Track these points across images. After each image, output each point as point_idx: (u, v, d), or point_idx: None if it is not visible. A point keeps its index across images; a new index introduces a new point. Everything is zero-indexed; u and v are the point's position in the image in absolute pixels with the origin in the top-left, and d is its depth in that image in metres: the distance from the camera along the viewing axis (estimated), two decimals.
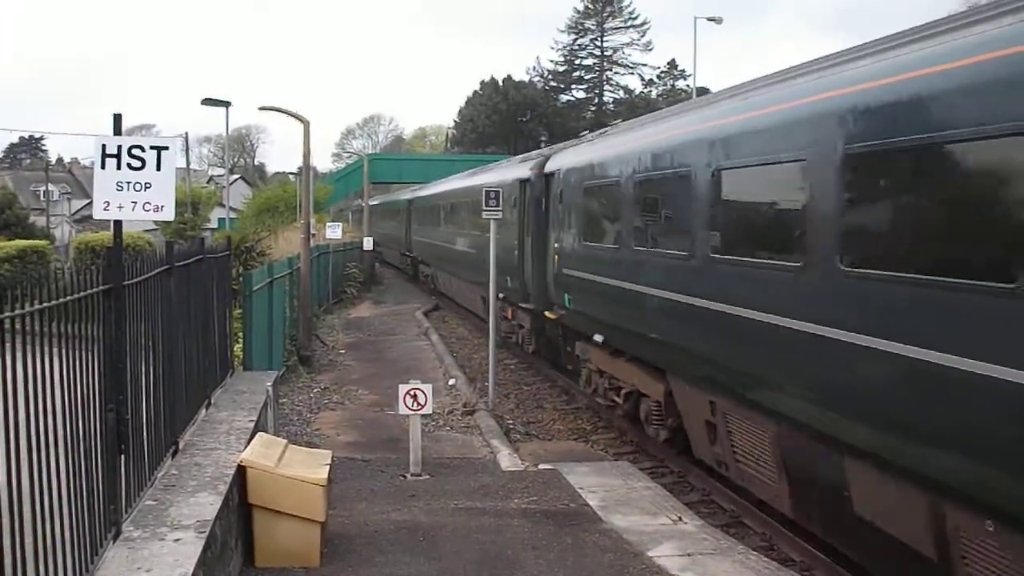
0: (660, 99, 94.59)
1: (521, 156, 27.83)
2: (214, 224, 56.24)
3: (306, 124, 22.20)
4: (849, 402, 8.00)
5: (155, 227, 43.22)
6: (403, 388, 12.23)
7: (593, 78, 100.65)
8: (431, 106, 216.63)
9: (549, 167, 19.04)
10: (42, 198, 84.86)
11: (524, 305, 20.94)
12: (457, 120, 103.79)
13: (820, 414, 8.56)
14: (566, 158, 18.25)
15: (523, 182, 21.03)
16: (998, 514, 6.47)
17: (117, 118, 6.83)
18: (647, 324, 12.79)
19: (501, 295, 20.47)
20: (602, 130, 21.23)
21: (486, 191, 16.26)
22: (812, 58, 9.91)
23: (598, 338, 15.05)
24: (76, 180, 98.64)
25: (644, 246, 12.90)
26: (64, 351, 5.56)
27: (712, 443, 11.47)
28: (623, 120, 19.47)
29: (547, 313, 18.70)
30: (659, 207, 12.77)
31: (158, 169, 6.78)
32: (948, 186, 6.99)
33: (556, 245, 17.72)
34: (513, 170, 23.59)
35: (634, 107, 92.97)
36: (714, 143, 10.72)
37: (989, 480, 6.49)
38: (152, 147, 6.83)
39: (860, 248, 7.85)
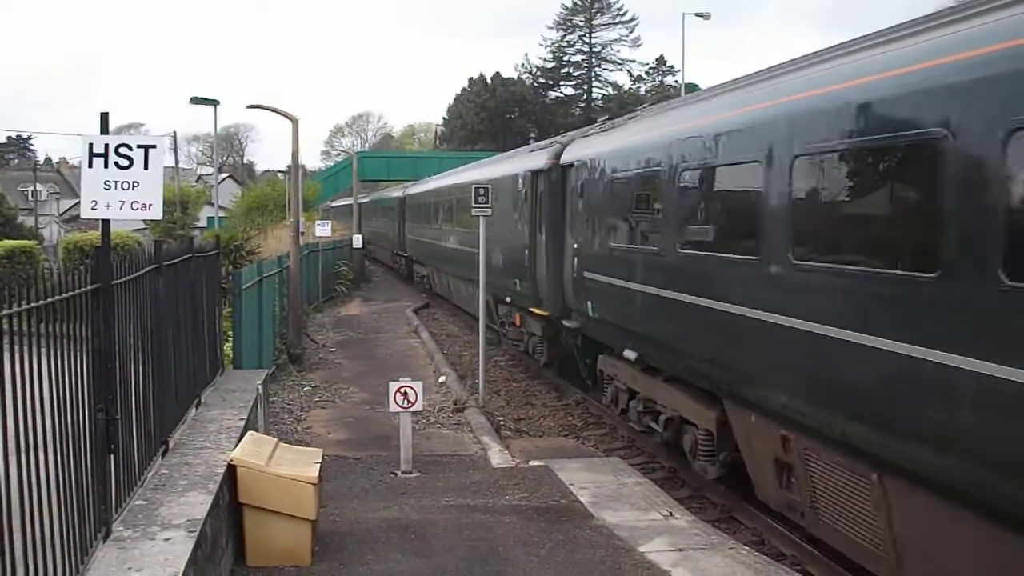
0: (649, 95, 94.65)
1: (402, 186, 43.57)
2: (203, 223, 56.12)
3: (295, 122, 22.15)
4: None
5: (144, 226, 43.11)
6: (393, 385, 12.24)
7: (582, 74, 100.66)
8: (420, 103, 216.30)
9: (408, 191, 38.02)
10: (30, 198, 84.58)
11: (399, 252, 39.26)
12: (446, 117, 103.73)
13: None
14: (412, 188, 37.44)
15: (401, 199, 40.75)
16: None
17: (104, 117, 6.80)
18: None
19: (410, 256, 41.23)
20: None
21: (475, 188, 16.73)
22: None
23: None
24: (64, 180, 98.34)
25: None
26: (53, 351, 5.54)
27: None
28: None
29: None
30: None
31: (146, 168, 6.75)
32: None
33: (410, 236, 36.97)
34: (396, 192, 41.99)
35: (623, 103, 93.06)
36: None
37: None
38: (140, 146, 6.80)
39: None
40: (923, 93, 7.02)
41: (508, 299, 21.20)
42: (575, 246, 15.88)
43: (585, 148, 16.12)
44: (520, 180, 19.57)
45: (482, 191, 16.59)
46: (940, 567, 7.15)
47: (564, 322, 16.71)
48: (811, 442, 8.69)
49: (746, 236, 9.61)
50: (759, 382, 9.55)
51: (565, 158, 16.95)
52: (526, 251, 18.72)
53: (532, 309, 18.88)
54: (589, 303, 15.05)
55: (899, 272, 7.12)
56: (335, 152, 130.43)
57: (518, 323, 20.72)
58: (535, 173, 18.43)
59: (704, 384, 11.12)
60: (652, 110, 15.51)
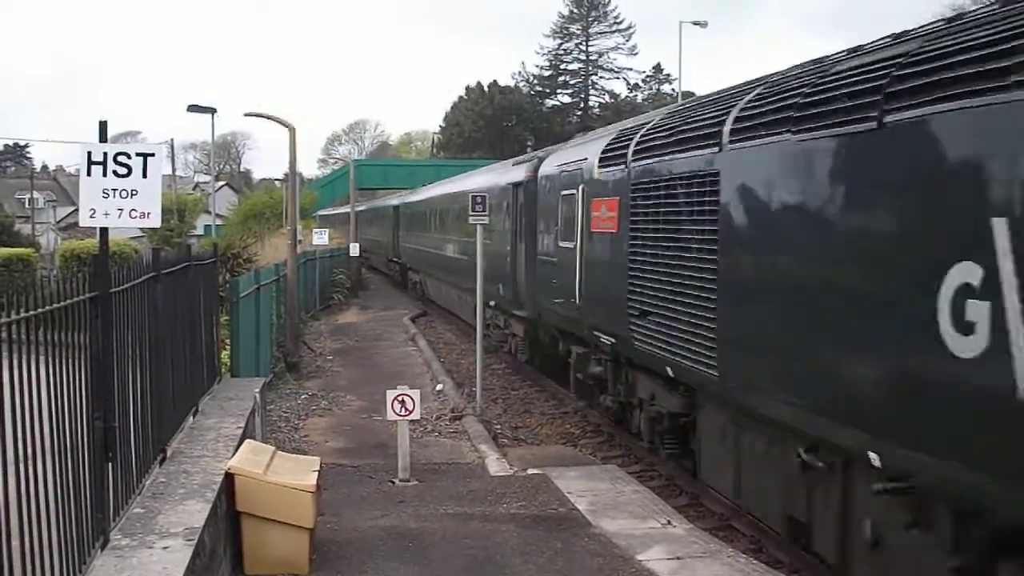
0: (646, 103, 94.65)
1: (353, 201, 56.05)
2: (200, 231, 56.10)
3: (292, 130, 22.18)
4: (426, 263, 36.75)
5: (141, 234, 43.07)
6: (391, 394, 12.23)
7: (578, 83, 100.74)
8: (417, 111, 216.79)
9: (397, 201, 49.78)
10: (27, 206, 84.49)
11: (394, 259, 48.54)
12: (443, 125, 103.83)
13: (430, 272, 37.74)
14: (364, 206, 61.87)
15: (357, 212, 53.37)
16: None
17: (103, 125, 6.81)
18: (411, 255, 41.43)
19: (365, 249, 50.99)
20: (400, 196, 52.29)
21: (472, 196, 16.78)
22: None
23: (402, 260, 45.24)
24: (61, 188, 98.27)
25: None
26: (51, 359, 5.54)
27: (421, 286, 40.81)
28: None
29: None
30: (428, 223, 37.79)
31: (144, 176, 6.77)
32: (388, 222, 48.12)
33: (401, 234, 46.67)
34: (346, 208, 56.16)
35: (620, 111, 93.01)
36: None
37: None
38: (138, 154, 6.82)
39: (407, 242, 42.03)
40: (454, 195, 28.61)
41: (390, 258, 48.25)
42: (403, 236, 41.99)
43: (404, 199, 44.49)
44: (391, 209, 46.93)
45: (479, 200, 16.65)
46: (447, 301, 32.44)
47: (398, 261, 43.75)
48: (428, 277, 36.90)
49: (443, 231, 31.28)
50: (427, 268, 36.00)
51: (399, 201, 45.07)
52: (392, 240, 45.91)
53: (393, 259, 46.57)
54: (406, 256, 41.75)
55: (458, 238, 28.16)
56: (332, 160, 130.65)
57: (393, 267, 47.13)
58: (393, 207, 46.27)
59: (420, 268, 38.61)
60: (427, 187, 39.95)
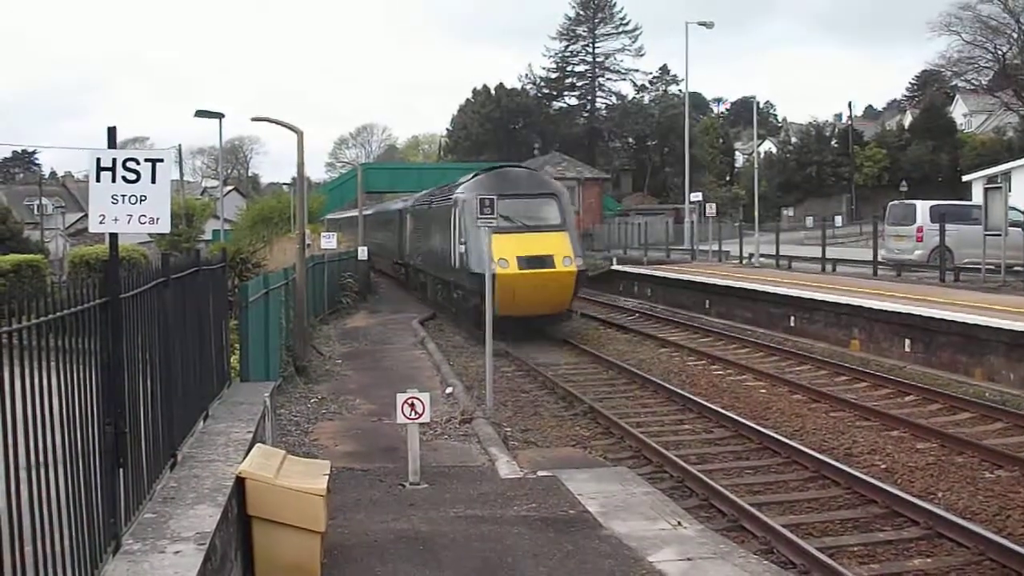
0: (653, 104, 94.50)
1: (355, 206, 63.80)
2: (209, 236, 56.27)
3: (300, 134, 22.21)
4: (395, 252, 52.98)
5: (149, 239, 43.23)
6: (401, 397, 12.23)
7: (585, 84, 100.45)
8: (424, 115, 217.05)
9: (365, 212, 57.42)
10: (36, 212, 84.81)
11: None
12: (450, 128, 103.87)
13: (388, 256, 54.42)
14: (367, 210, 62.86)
15: (365, 215, 57.44)
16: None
17: (111, 131, 6.82)
18: (371, 245, 49.97)
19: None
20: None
21: (480, 198, 16.79)
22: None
23: (366, 255, 46.16)
24: (70, 193, 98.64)
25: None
26: (61, 365, 5.55)
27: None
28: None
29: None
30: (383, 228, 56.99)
31: (153, 181, 6.77)
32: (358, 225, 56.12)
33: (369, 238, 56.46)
34: (349, 212, 68.38)
35: (627, 113, 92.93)
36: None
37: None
38: (147, 159, 6.82)
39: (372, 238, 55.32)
40: (396, 211, 48.87)
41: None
42: (368, 234, 50.24)
43: (374, 210, 60.59)
44: (359, 217, 50.79)
45: (488, 203, 16.70)
46: (388, 269, 54.51)
47: (364, 249, 44.47)
48: (378, 258, 53.08)
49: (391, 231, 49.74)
50: (378, 251, 51.98)
51: (372, 211, 59.13)
52: (364, 237, 47.76)
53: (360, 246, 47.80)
54: (369, 246, 45.19)
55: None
56: (340, 164, 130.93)
57: (366, 256, 48.57)
58: (365, 216, 51.16)
59: (376, 252, 50.04)
60: (386, 202, 64.61)
